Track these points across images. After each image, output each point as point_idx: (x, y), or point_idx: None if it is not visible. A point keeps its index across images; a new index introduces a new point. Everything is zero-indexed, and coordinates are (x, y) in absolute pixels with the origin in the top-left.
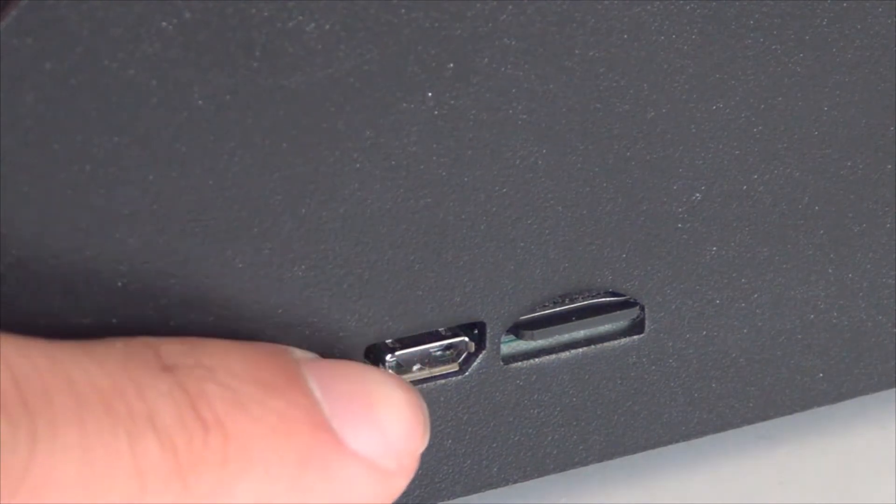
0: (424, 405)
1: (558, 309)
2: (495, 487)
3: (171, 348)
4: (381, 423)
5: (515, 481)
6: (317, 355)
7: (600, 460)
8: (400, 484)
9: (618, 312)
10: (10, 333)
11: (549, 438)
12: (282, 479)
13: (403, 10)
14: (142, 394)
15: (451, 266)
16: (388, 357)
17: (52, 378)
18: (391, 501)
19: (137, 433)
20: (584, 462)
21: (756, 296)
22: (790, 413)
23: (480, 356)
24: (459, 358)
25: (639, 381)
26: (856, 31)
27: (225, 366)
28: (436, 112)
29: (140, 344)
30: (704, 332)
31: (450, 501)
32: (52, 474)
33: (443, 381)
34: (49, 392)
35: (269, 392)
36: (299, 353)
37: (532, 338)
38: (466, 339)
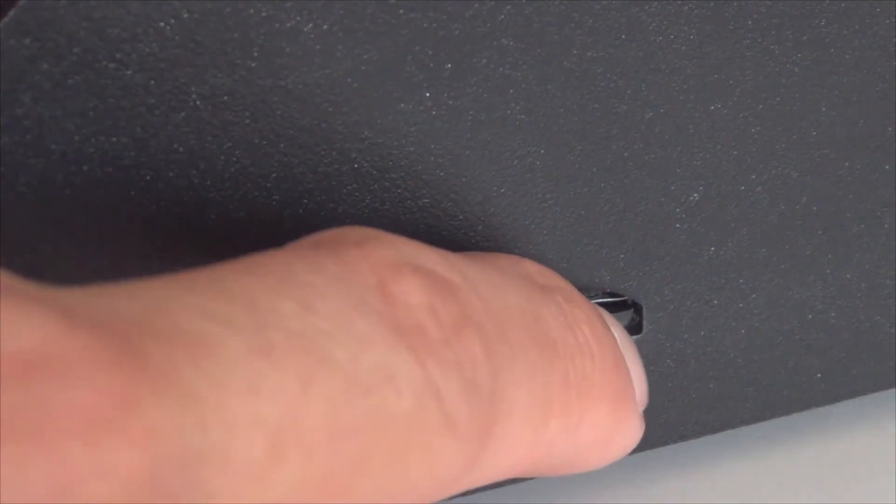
0: None
1: None
2: (493, 487)
3: (531, 267)
4: (640, 374)
5: (514, 481)
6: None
7: None
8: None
9: (616, 314)
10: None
11: None
12: (612, 413)
13: (401, 11)
14: (545, 318)
15: None
16: None
17: (499, 303)
18: None
19: (553, 361)
20: None
21: (754, 296)
22: (788, 413)
23: None
24: None
25: None
26: (854, 31)
27: (573, 290)
28: (434, 112)
29: (514, 262)
30: (702, 333)
31: (445, 500)
32: (511, 407)
33: None
34: (503, 318)
35: (605, 325)
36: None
37: None
38: None
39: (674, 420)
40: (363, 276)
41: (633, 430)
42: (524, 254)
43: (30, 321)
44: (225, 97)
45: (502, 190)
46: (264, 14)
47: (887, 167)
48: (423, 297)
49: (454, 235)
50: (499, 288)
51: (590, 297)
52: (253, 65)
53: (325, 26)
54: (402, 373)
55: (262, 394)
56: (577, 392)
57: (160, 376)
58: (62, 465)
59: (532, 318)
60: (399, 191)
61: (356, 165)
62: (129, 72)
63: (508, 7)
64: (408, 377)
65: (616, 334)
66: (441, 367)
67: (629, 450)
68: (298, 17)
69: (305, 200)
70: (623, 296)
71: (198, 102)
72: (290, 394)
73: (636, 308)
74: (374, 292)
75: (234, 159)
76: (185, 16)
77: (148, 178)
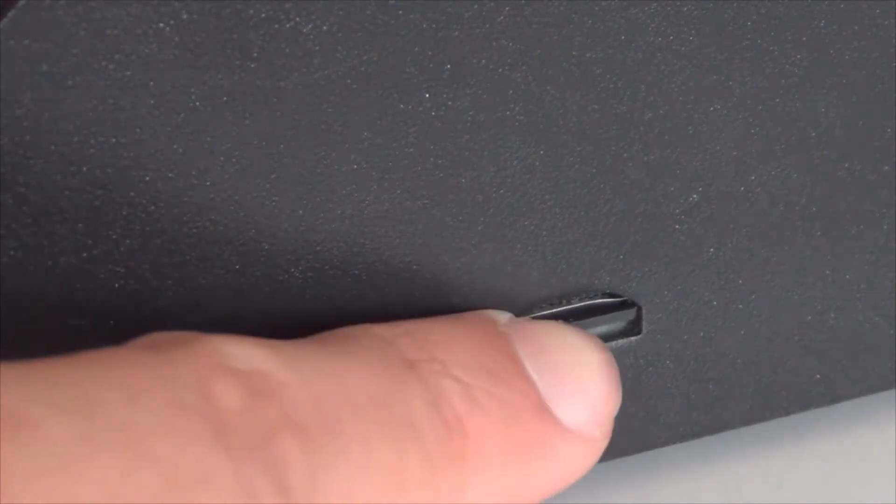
0: (614, 361)
1: (556, 310)
2: None
3: (404, 342)
4: (586, 392)
5: None
6: (512, 315)
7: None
8: (603, 447)
9: (615, 313)
10: (283, 341)
11: None
12: (510, 467)
13: (401, 12)
14: (403, 398)
15: (448, 267)
16: None
17: (337, 395)
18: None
19: (405, 442)
20: None
21: (753, 297)
22: (788, 414)
23: None
24: None
25: (636, 383)
26: (854, 32)
27: (454, 357)
28: (433, 113)
29: (380, 340)
30: (702, 334)
31: None
32: (347, 497)
33: None
34: (339, 411)
35: (494, 380)
36: (502, 320)
37: None
38: None
39: (674, 420)
40: (185, 376)
41: (569, 459)
42: (523, 254)
43: None
44: (225, 97)
45: (502, 190)
46: (263, 15)
47: (887, 167)
48: (238, 399)
49: (454, 236)
50: (341, 377)
51: (589, 298)
52: (253, 65)
53: (325, 27)
54: (218, 473)
55: (82, 478)
56: (445, 467)
57: None
58: None
59: (382, 404)
60: (399, 191)
61: (356, 166)
62: (128, 72)
63: (508, 8)
64: (222, 478)
65: (557, 358)
66: (255, 469)
67: (579, 473)
68: (298, 18)
69: (305, 201)
70: (623, 296)
71: (198, 102)
72: (112, 482)
73: (635, 308)
74: (195, 393)
75: (234, 159)
76: (185, 16)
77: (148, 178)
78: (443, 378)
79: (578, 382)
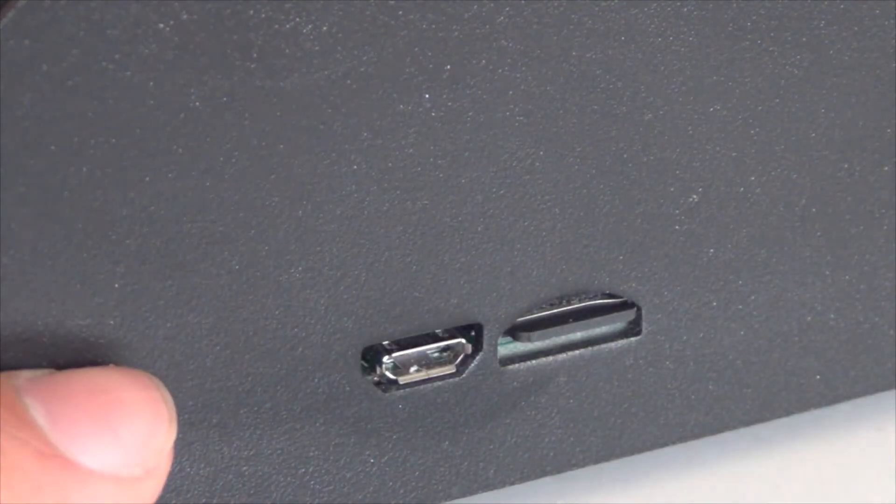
0: (167, 395)
1: (555, 311)
2: (492, 489)
3: None
4: (115, 434)
5: (512, 483)
6: (49, 371)
7: (597, 462)
8: (152, 485)
9: (614, 314)
10: None
11: (546, 440)
12: None
13: (401, 12)
14: None
15: (448, 267)
16: (386, 358)
17: None
18: (151, 502)
19: None
20: (580, 464)
21: (753, 297)
22: (787, 415)
23: (477, 358)
24: (456, 360)
25: (636, 383)
26: (853, 32)
27: None
28: (433, 114)
29: None
30: (701, 334)
31: (447, 503)
32: None
33: (440, 383)
34: None
35: None
36: (24, 376)
37: (529, 339)
38: (463, 340)
39: (673, 421)
40: None
41: (101, 499)
42: (522, 254)
43: None
44: (224, 98)
45: (500, 192)
46: (263, 15)
47: (886, 168)
48: None
49: (451, 237)
50: None
51: (589, 298)
52: (252, 66)
53: (325, 27)
54: None
55: None
56: None
57: None
58: None
59: None
60: (398, 192)
61: (355, 166)
62: (128, 72)
63: (508, 8)
64: None
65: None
66: None
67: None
68: (298, 19)
69: (305, 201)
70: (622, 297)
71: (196, 104)
72: None
73: (635, 309)
74: None
75: (234, 159)
76: (185, 17)
77: (148, 178)
78: None
79: (102, 424)
